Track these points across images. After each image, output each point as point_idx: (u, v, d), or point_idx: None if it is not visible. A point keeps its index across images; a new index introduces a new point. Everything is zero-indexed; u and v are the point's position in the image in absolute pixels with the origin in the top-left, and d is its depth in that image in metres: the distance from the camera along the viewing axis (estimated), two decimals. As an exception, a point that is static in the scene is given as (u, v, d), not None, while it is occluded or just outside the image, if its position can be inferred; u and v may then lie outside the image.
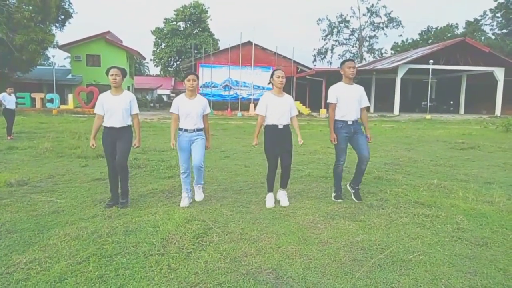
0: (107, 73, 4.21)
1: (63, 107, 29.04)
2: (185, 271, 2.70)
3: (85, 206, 4.32)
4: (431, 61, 29.03)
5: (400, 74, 30.23)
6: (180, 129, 4.38)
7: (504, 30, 53.61)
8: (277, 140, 4.37)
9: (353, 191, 4.73)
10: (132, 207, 4.29)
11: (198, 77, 4.43)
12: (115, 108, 4.21)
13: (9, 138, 10.56)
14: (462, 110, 34.47)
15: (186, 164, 4.42)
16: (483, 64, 31.46)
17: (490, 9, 54.84)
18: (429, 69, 29.51)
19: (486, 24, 57.79)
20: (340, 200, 4.62)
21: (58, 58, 77.94)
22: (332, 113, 4.67)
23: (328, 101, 4.69)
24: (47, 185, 5.29)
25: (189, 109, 4.31)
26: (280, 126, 4.37)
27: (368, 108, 4.67)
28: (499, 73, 31.52)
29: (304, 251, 3.09)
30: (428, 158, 8.11)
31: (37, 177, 5.74)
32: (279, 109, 4.37)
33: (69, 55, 37.97)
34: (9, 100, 11.02)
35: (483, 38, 56.95)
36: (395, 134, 14.39)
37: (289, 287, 2.50)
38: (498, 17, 54.24)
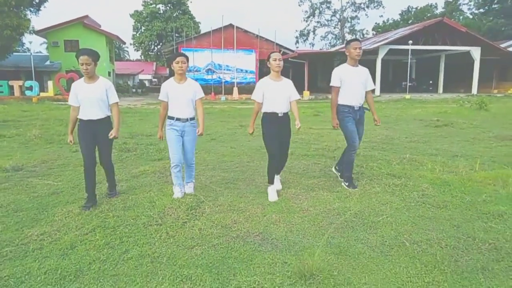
0: (77, 57, 3.69)
1: (43, 94, 28.51)
2: (181, 237, 3.05)
3: (82, 187, 4.54)
4: (410, 42, 29.58)
5: (381, 55, 30.78)
6: (171, 118, 3.98)
7: (481, 10, 54.60)
8: (277, 128, 4.07)
9: (339, 173, 4.69)
10: (127, 186, 4.58)
11: (188, 59, 4.02)
12: (90, 98, 3.75)
13: (-7, 126, 10.55)
14: (441, 90, 35.40)
15: (178, 156, 4.04)
16: (460, 43, 32.22)
17: (468, -11, 55.54)
18: (408, 49, 30.11)
19: (464, 4, 58.78)
20: (355, 189, 4.31)
21: (34, 44, 75.51)
22: (335, 97, 4.37)
23: (331, 84, 4.40)
24: (42, 170, 5.52)
25: (180, 95, 3.94)
26: (280, 114, 4.05)
27: (373, 91, 4.60)
28: (476, 52, 32.37)
29: (287, 218, 3.48)
30: (403, 136, 8.61)
31: (30, 162, 5.94)
32: (277, 95, 4.02)
33: (46, 40, 37.04)
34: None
35: (461, 17, 57.93)
36: (378, 114, 14.88)
37: (273, 246, 2.89)
38: (475, -3, 55.11)
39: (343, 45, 49.68)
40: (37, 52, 49.31)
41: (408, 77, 32.87)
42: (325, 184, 4.62)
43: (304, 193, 4.21)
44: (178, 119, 3.97)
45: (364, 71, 4.45)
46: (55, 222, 3.37)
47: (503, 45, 37.05)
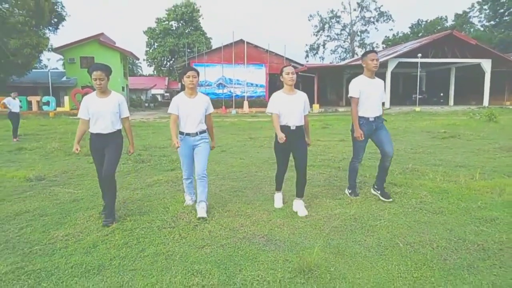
0: (89, 73, 3.71)
1: (59, 109, 29.49)
2: (193, 238, 3.33)
3: (100, 195, 4.90)
4: (419, 55, 29.77)
5: (390, 68, 30.99)
6: (181, 133, 4.00)
7: (492, 22, 54.58)
8: (289, 142, 3.97)
9: (379, 191, 4.47)
10: (142, 194, 4.89)
11: (198, 73, 4.02)
12: (102, 112, 3.74)
13: (15, 140, 11.10)
14: (451, 102, 35.30)
15: (189, 170, 4.15)
16: (471, 56, 32.24)
17: (478, 1, 55.75)
18: (418, 62, 30.28)
19: (474, 16, 58.80)
20: (357, 197, 4.44)
21: (51, 61, 77.89)
22: (355, 107, 4.33)
23: (350, 95, 4.36)
24: (63, 180, 5.88)
25: (191, 109, 3.95)
26: (293, 127, 4.00)
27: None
28: (486, 64, 32.34)
29: (290, 222, 3.73)
30: (409, 147, 8.79)
31: (51, 173, 6.32)
32: (290, 108, 3.99)
33: (62, 57, 38.31)
34: (14, 104, 11.59)
35: (472, 30, 57.91)
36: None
37: (276, 246, 3.14)
38: (485, 9, 55.18)
39: (353, 59, 49.99)
40: (53, 69, 50.89)
41: (418, 89, 32.92)
42: (328, 192, 4.85)
43: (308, 200, 4.45)
44: (188, 134, 3.98)
45: (380, 83, 4.45)
46: (78, 225, 3.69)
47: (515, 57, 36.93)
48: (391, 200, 4.31)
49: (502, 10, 51.45)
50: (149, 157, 7.67)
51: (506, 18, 51.29)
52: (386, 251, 3.01)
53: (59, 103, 31.32)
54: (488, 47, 34.27)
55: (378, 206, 4.16)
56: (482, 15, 56.49)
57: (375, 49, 61.88)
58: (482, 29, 56.36)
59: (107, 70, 3.74)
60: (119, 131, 3.89)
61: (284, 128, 3.99)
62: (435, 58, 32.21)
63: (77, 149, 3.96)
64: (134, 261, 2.89)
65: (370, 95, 4.30)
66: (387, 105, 30.90)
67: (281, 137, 3.87)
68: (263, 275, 2.63)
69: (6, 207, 4.35)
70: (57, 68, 52.58)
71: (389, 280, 2.56)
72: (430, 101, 36.10)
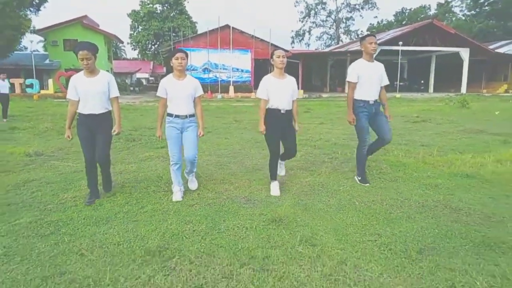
0: (75, 53, 3.58)
1: (43, 92, 29.26)
2: (184, 199, 3.93)
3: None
4: (400, 43, 30.58)
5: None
6: (170, 115, 3.93)
7: (472, 12, 55.74)
8: (279, 126, 4.07)
9: (359, 178, 4.58)
10: (137, 167, 5.44)
11: (187, 55, 3.95)
12: (91, 91, 3.67)
13: (4, 120, 11.38)
14: (431, 89, 36.46)
15: (177, 155, 4.00)
16: (450, 45, 33.30)
17: (459, -9, 56.57)
18: (399, 50, 31.11)
19: (456, 6, 59.79)
20: (367, 184, 4.43)
21: (32, 43, 75.65)
22: (351, 92, 4.38)
23: (348, 79, 4.40)
24: (60, 155, 6.36)
25: (179, 91, 3.89)
26: (283, 111, 4.07)
27: (387, 87, 4.63)
28: (464, 53, 33.47)
29: (267, 187, 4.34)
30: (381, 129, 9.50)
31: (48, 149, 6.77)
32: (281, 92, 4.06)
33: (42, 39, 37.64)
34: (3, 85, 11.81)
35: (454, 19, 59.06)
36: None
37: (254, 204, 3.77)
38: (466, -1, 56.19)
39: (337, 46, 50.32)
40: (34, 51, 49.81)
41: (399, 77, 33.85)
42: (303, 166, 5.49)
43: (296, 166, 5.09)
44: (177, 116, 3.91)
45: (380, 66, 4.46)
46: (82, 190, 4.21)
47: (493, 46, 38.24)
48: (360, 179, 4.50)
49: (482, 0, 52.56)
50: (139, 136, 8.17)
51: (486, 8, 52.48)
52: (344, 208, 3.67)
53: (42, 86, 31.04)
54: (467, 36, 35.35)
55: (343, 176, 4.83)
56: (464, 5, 57.65)
57: (360, 36, 62.58)
58: (463, 18, 57.55)
59: (93, 49, 3.62)
60: (109, 112, 3.84)
61: (275, 112, 4.05)
62: (416, 46, 33.12)
63: (68, 136, 3.92)
64: (135, 215, 3.47)
65: (369, 78, 4.32)
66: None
67: (262, 129, 4.05)
68: (242, 223, 3.25)
69: (14, 177, 4.84)
70: (37, 50, 51.51)
71: (343, 227, 3.21)
72: (411, 88, 37.19)
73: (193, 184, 4.29)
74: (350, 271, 2.46)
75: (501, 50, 37.37)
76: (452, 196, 3.96)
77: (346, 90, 4.59)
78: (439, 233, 3.02)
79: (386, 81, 4.52)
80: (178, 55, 3.87)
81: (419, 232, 3.06)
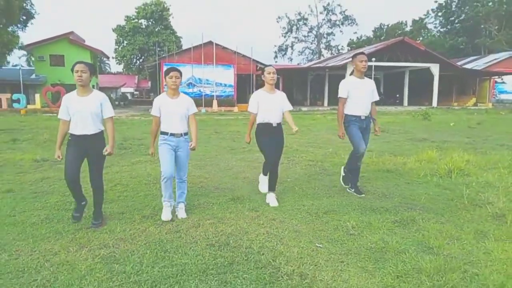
0: (72, 70, 3.56)
1: (30, 106, 29.97)
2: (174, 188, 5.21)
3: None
4: (373, 59, 32.66)
5: (349, 71, 33.69)
6: (165, 133, 3.94)
7: (445, 29, 59.02)
8: (271, 138, 4.38)
9: (343, 174, 5.05)
10: (130, 168, 6.68)
11: (181, 74, 3.98)
12: (83, 112, 3.57)
13: None
14: (406, 103, 38.58)
15: (170, 169, 3.93)
16: (421, 60, 35.57)
17: (432, 9, 59.87)
18: (373, 66, 33.17)
19: (429, 23, 63.05)
20: (363, 195, 4.69)
21: (14, 58, 76.03)
22: (341, 107, 4.59)
23: (339, 96, 4.61)
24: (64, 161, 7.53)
25: (173, 110, 3.92)
26: (274, 124, 4.35)
27: (376, 102, 4.93)
28: (434, 68, 35.78)
29: (234, 181, 5.66)
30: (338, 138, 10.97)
31: (52, 157, 7.87)
32: (272, 106, 4.28)
33: (25, 53, 38.27)
34: None
35: (428, 35, 62.24)
36: (333, 123, 17.37)
37: (222, 190, 5.10)
38: (439, 16, 59.44)
39: (316, 61, 51.98)
40: (15, 65, 49.95)
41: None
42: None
43: (258, 168, 6.44)
44: (172, 135, 3.93)
45: (370, 82, 4.72)
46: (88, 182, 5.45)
47: (461, 62, 40.88)
48: (354, 190, 4.85)
49: (452, 18, 55.84)
50: (129, 145, 9.42)
51: (457, 25, 55.78)
52: (285, 191, 5.02)
53: (28, 101, 31.74)
54: (437, 52, 37.82)
55: (293, 172, 6.22)
56: (437, 22, 60.97)
57: (341, 51, 65.20)
58: (438, 34, 60.70)
59: (91, 67, 3.65)
60: (101, 132, 3.75)
61: (267, 126, 4.34)
62: (389, 62, 35.32)
63: (59, 156, 3.75)
64: (133, 198, 4.75)
65: (359, 95, 4.55)
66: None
67: (248, 140, 4.57)
68: (210, 200, 4.57)
69: (30, 176, 6.04)
70: (21, 66, 52.00)
71: (281, 202, 4.54)
72: (387, 101, 39.26)
73: (181, 212, 4.09)
74: (277, 224, 3.79)
75: (469, 66, 40.07)
76: (367, 183, 5.37)
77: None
78: (341, 203, 4.41)
79: (376, 97, 4.80)
80: (172, 73, 3.89)
81: (331, 203, 4.44)
